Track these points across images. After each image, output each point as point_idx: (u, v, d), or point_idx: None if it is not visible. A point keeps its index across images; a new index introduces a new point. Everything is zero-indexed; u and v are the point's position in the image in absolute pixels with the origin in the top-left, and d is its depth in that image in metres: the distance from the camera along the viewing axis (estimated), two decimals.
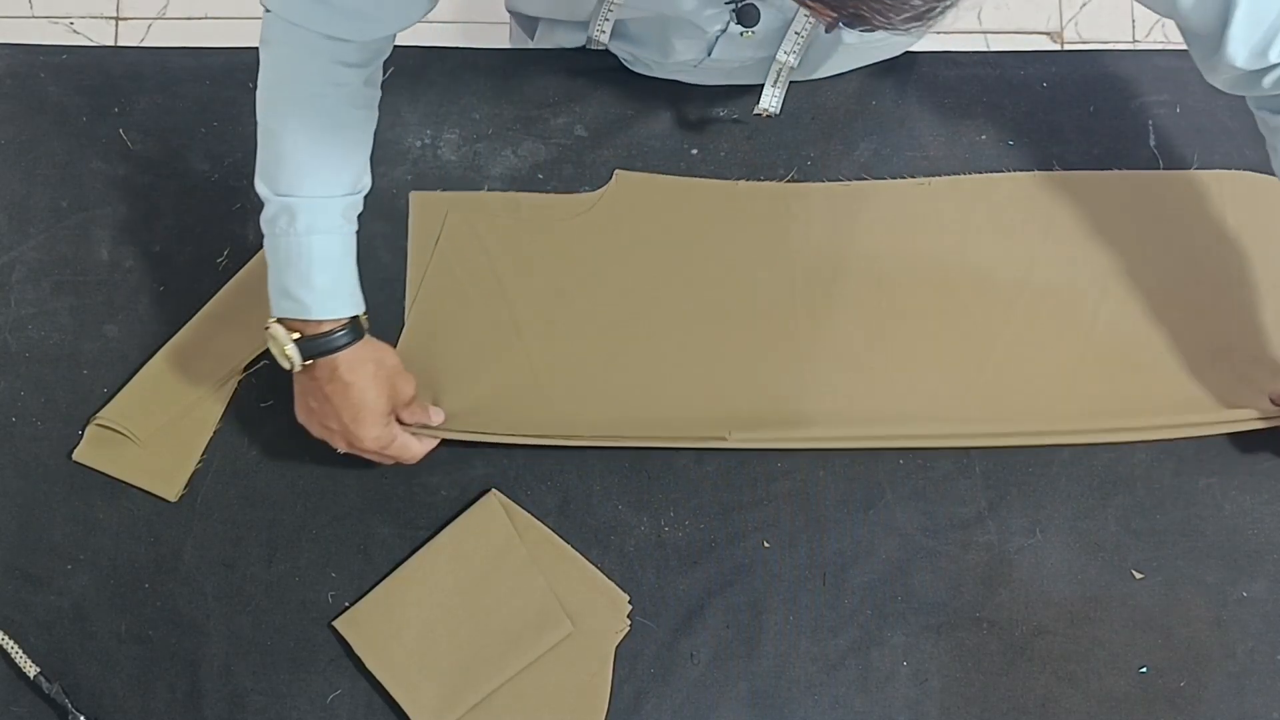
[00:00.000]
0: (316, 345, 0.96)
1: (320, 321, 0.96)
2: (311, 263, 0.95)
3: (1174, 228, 1.13)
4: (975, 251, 1.12)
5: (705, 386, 1.07)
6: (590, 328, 1.08)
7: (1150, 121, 1.17)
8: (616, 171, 1.13)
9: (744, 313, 1.09)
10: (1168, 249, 1.12)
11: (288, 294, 0.96)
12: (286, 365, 0.97)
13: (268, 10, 0.96)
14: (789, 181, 1.14)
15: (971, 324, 1.10)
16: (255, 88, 1.14)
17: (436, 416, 1.04)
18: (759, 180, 1.14)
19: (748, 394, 1.07)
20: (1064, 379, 1.08)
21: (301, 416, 1.01)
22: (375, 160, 1.13)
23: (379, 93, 1.03)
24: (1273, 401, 1.06)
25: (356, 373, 0.97)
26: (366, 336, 0.99)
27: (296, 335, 0.96)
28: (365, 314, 0.99)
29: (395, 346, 1.06)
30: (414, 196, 1.12)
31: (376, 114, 1.03)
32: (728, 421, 1.05)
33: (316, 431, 1.00)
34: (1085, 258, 1.12)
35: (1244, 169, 1.15)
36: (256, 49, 1.16)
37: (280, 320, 0.97)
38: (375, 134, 1.15)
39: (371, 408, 0.98)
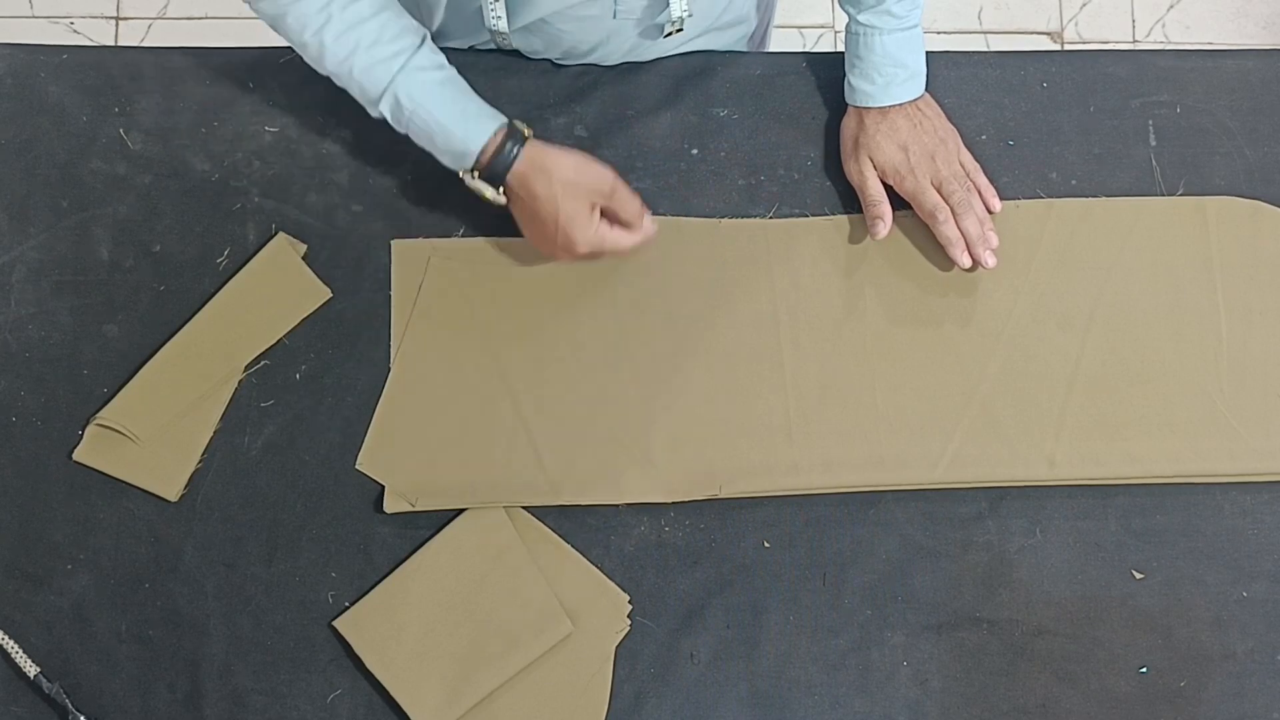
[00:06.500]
0: (493, 170, 1.02)
1: (481, 151, 1.02)
2: (436, 116, 1.02)
3: (1160, 255, 1.12)
4: (959, 282, 1.11)
5: (694, 429, 1.06)
6: (575, 370, 1.08)
7: (1150, 121, 1.17)
8: None
9: (729, 352, 1.09)
10: (1155, 277, 1.12)
11: (449, 151, 1.03)
12: (491, 198, 1.04)
13: None
14: (788, 181, 1.14)
15: (958, 356, 1.09)
16: (254, 88, 1.15)
17: (647, 223, 1.06)
18: (758, 181, 1.14)
19: (737, 437, 1.06)
20: (1054, 411, 1.08)
21: (532, 242, 1.07)
22: (376, 160, 1.14)
23: None
24: None
25: (537, 184, 1.02)
26: (532, 144, 1.03)
27: (477, 172, 1.03)
28: (515, 121, 1.03)
29: (381, 392, 1.07)
30: (395, 245, 1.11)
31: None
32: (719, 470, 1.05)
33: (546, 250, 1.06)
34: (1071, 287, 1.11)
35: (1243, 168, 1.16)
36: (256, 49, 1.16)
37: (465, 174, 1.04)
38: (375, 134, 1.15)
39: (567, 214, 1.02)
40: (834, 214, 1.14)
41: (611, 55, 1.16)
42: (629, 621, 1.03)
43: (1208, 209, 1.14)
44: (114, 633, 1.02)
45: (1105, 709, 1.03)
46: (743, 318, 1.10)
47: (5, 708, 1.00)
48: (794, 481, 1.05)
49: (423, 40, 1.04)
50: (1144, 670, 1.03)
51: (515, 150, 1.02)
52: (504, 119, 1.03)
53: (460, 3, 1.10)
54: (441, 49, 1.12)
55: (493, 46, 1.17)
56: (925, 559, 1.05)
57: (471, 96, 1.04)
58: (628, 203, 1.04)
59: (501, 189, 1.03)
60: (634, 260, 1.11)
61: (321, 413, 1.07)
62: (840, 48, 1.16)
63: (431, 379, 1.07)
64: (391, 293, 1.10)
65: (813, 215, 1.14)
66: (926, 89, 1.12)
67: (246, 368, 1.08)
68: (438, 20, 1.13)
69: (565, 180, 1.01)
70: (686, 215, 1.13)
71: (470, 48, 1.18)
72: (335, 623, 1.02)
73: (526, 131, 1.03)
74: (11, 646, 1.00)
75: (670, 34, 1.11)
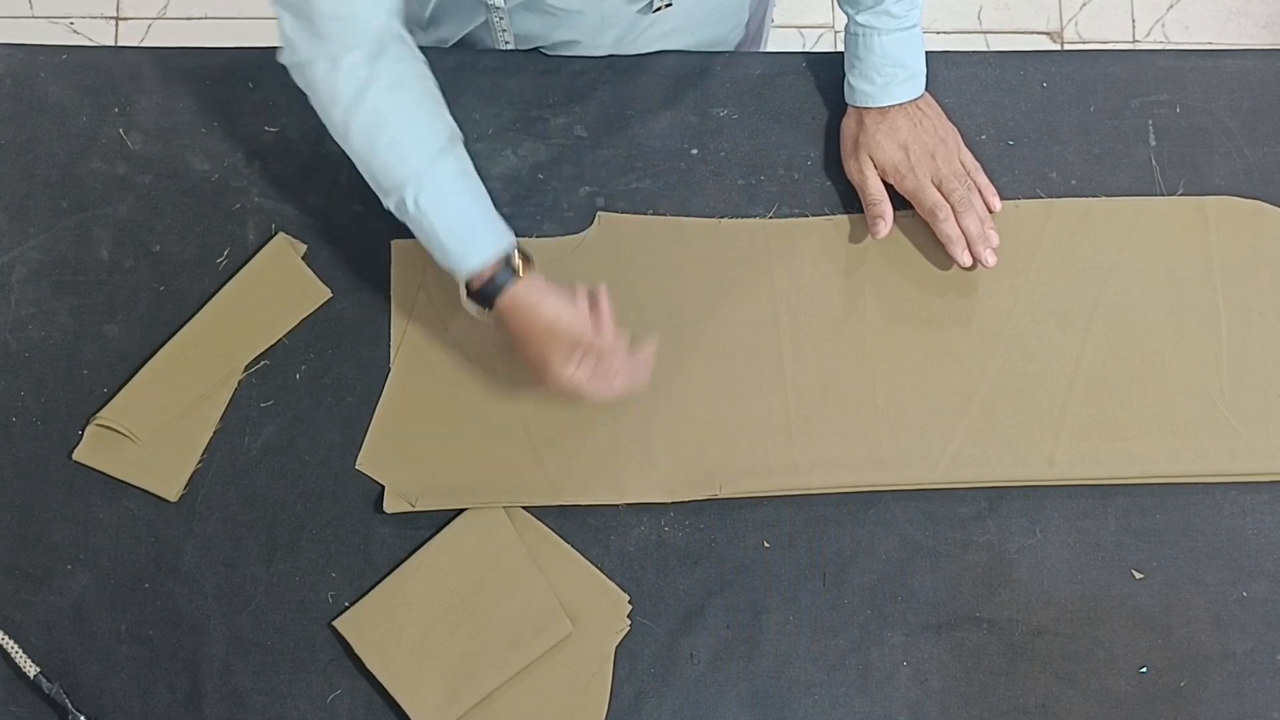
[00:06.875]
0: (482, 296, 1.00)
1: (474, 275, 0.99)
2: (437, 232, 0.98)
3: (1160, 255, 1.12)
4: (959, 282, 1.11)
5: (694, 429, 1.06)
6: None
7: (1150, 121, 1.17)
8: (599, 214, 1.12)
9: (729, 352, 1.08)
10: (1155, 277, 1.12)
11: (444, 266, 1.00)
12: (476, 317, 1.02)
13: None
14: (788, 181, 1.14)
15: (958, 356, 1.09)
16: (254, 88, 1.15)
17: (647, 356, 1.02)
18: (758, 181, 1.14)
19: (737, 437, 1.06)
20: (1054, 411, 1.07)
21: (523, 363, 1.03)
22: None
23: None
24: None
25: (515, 324, 1.00)
26: (520, 283, 0.99)
27: (466, 291, 1.00)
28: (518, 249, 1.00)
29: (381, 392, 1.07)
30: (395, 245, 1.10)
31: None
32: (719, 470, 1.05)
33: (530, 375, 1.03)
34: (1071, 287, 1.11)
35: (1243, 168, 1.16)
36: (256, 49, 1.16)
37: (460, 290, 1.01)
38: None
39: (541, 359, 0.99)
40: (834, 214, 1.14)
41: (605, 37, 1.14)
42: (629, 621, 1.03)
43: (1208, 209, 1.14)
44: (114, 633, 1.02)
45: (1105, 709, 1.03)
46: (743, 318, 1.10)
47: (5, 708, 1.00)
48: (794, 481, 1.05)
49: (447, 147, 0.99)
50: (1144, 670, 1.03)
51: (503, 284, 0.98)
52: (502, 248, 0.99)
53: None
54: (436, 45, 1.12)
55: (487, 40, 1.17)
56: (925, 559, 1.05)
57: (477, 218, 1.00)
58: (608, 353, 1.00)
59: (489, 312, 1.01)
60: (634, 260, 1.11)
61: (321, 413, 1.07)
62: (840, 48, 1.16)
63: (431, 379, 1.07)
64: (391, 293, 1.10)
65: (813, 215, 1.14)
66: (926, 89, 1.12)
67: (246, 368, 1.08)
68: (432, 2, 1.13)
69: (541, 327, 0.98)
70: (686, 215, 1.13)
71: (462, 39, 1.18)
72: (335, 623, 1.02)
73: (519, 263, 0.99)
74: (11, 646, 1.00)
75: (659, 9, 1.10)
